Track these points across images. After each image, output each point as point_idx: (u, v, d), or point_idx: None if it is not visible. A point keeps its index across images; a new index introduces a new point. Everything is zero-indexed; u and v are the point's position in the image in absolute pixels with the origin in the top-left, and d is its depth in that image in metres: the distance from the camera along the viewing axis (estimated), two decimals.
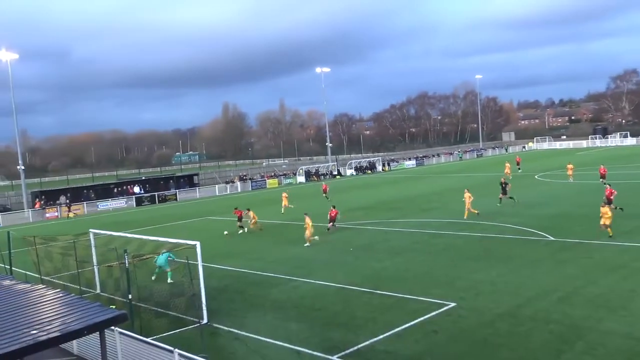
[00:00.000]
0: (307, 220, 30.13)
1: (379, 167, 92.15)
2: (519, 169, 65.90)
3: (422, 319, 16.73)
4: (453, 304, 17.83)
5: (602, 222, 26.05)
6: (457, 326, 15.96)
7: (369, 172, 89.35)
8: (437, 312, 17.25)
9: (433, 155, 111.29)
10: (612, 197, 31.49)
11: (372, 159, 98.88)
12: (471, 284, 20.00)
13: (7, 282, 15.34)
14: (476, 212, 34.47)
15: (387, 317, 17.20)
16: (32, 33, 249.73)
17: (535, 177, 58.40)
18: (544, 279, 20.06)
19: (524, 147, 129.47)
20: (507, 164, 59.95)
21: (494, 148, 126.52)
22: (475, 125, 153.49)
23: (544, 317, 16.20)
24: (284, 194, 46.95)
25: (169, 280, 22.83)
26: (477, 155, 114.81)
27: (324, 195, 50.81)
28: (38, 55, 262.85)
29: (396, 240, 29.29)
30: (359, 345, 14.99)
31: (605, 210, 26.17)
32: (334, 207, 35.03)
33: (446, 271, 21.97)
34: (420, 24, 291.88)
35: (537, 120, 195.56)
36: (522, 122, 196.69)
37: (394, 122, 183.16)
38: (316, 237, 30.04)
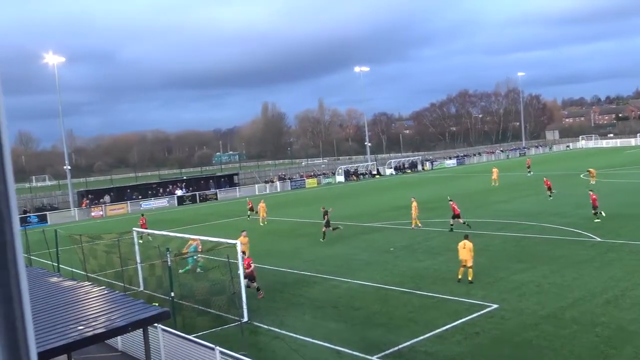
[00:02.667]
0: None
1: (419, 167, 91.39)
2: (530, 172, 64.56)
3: (463, 320, 16.50)
4: (495, 306, 17.53)
5: None
6: (499, 328, 15.69)
7: (409, 171, 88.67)
8: (479, 313, 16.99)
9: (474, 154, 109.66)
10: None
11: (412, 158, 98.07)
12: (514, 285, 19.63)
13: (54, 279, 15.82)
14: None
15: (427, 317, 17.04)
16: (79, 36, 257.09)
17: (581, 176, 56.91)
18: (589, 281, 19.53)
19: (568, 146, 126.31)
20: (495, 170, 56.93)
21: (537, 147, 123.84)
22: (517, 124, 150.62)
23: (590, 319, 15.77)
24: (262, 204, 42.14)
25: (180, 271, 23.13)
26: (519, 154, 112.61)
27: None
28: (84, 58, 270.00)
29: (436, 240, 29.03)
30: (399, 346, 14.88)
31: None
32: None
33: (488, 272, 21.62)
34: (462, 21, 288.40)
35: (582, 118, 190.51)
36: (567, 120, 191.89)
37: (434, 121, 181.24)
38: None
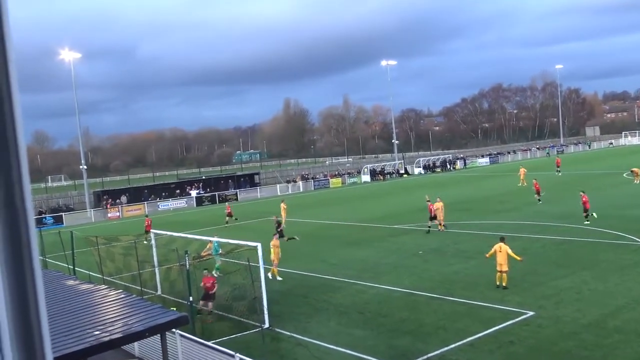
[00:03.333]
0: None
1: (450, 165, 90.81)
2: (559, 171, 64.05)
3: (497, 328, 16.35)
4: (532, 313, 17.33)
5: None
6: (536, 337, 15.50)
7: (439, 170, 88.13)
8: (513, 321, 16.82)
9: (508, 152, 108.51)
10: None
11: (442, 156, 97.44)
12: (552, 292, 19.38)
13: (71, 282, 16.10)
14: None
15: (458, 325, 16.91)
16: (96, 32, 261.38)
17: (624, 175, 55.91)
18: (634, 287, 19.19)
19: (611, 143, 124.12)
20: (522, 170, 55.77)
21: (576, 144, 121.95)
22: (555, 120, 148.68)
23: (635, 328, 15.49)
24: (282, 205, 42.54)
25: (215, 273, 23.46)
26: (557, 152, 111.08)
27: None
28: (102, 54, 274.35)
29: (468, 243, 28.81)
30: (429, 355, 14.81)
31: None
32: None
33: (524, 277, 21.38)
34: (496, 11, 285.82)
35: (625, 113, 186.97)
36: (608, 115, 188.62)
37: (465, 117, 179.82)
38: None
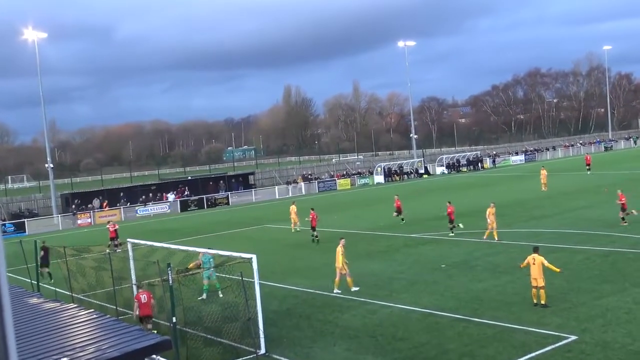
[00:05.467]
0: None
1: (478, 164, 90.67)
2: (589, 170, 64.30)
3: (533, 354, 16.34)
4: (574, 337, 17.32)
5: None
6: None
7: (465, 169, 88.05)
8: (553, 346, 16.81)
9: (547, 149, 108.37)
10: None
11: (469, 153, 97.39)
12: (598, 312, 19.36)
13: (34, 300, 16.16)
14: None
15: (487, 351, 16.91)
16: (66, 8, 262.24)
17: None
18: None
19: None
20: (543, 172, 55.35)
21: (627, 139, 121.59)
22: (602, 110, 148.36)
23: None
24: (292, 207, 42.90)
25: (203, 297, 23.94)
26: (605, 148, 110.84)
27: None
28: (73, 34, 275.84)
29: (500, 255, 28.79)
30: None
31: None
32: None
33: (564, 295, 21.36)
34: None
35: None
36: None
37: (496, 107, 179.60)
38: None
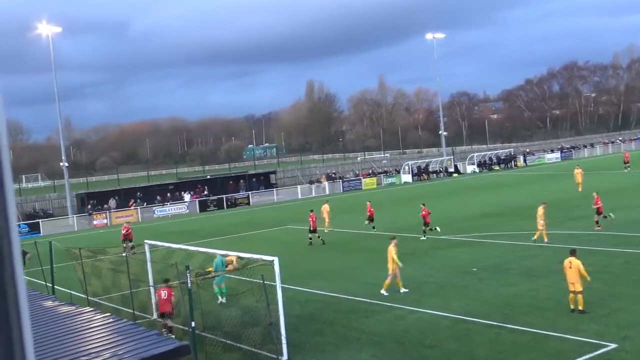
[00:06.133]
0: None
1: (511, 162, 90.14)
2: (628, 166, 63.95)
3: None
4: (613, 345, 17.14)
5: None
6: None
7: (497, 168, 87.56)
8: (590, 355, 16.65)
9: (584, 146, 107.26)
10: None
11: (502, 151, 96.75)
12: (638, 319, 19.13)
13: (49, 303, 16.36)
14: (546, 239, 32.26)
15: (521, 359, 16.80)
16: (81, 2, 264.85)
17: None
18: None
19: None
20: (578, 170, 53.91)
21: None
22: None
23: None
24: (325, 207, 43.55)
25: (221, 300, 24.28)
26: None
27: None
28: (87, 29, 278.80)
29: (535, 258, 28.62)
30: None
31: None
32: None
33: (603, 301, 21.15)
34: None
35: None
36: None
37: (530, 103, 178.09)
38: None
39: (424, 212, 36.36)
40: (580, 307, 19.96)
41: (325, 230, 41.22)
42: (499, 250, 31.32)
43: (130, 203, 66.43)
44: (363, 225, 41.81)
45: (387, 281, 24.49)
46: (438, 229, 35.59)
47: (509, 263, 28.18)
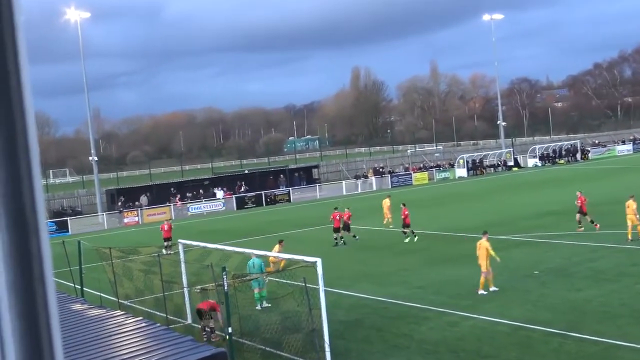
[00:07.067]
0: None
1: (578, 155, 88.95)
2: None
3: None
4: None
5: None
6: None
7: (562, 161, 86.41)
8: None
9: None
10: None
11: (567, 142, 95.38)
12: None
13: (78, 306, 16.66)
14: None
15: None
16: None
17: None
18: None
19: None
20: None
21: None
22: None
23: None
24: (386, 201, 44.77)
25: (264, 304, 24.40)
26: None
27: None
28: (118, 15, 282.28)
29: (605, 260, 28.24)
30: None
31: None
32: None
33: None
34: None
35: None
36: None
37: (599, 89, 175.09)
38: None
39: (404, 213, 37.38)
40: None
41: (390, 227, 42.12)
42: (564, 251, 30.92)
43: (177, 199, 67.11)
44: (413, 224, 41.65)
45: (482, 279, 24.60)
46: (415, 239, 36.73)
47: (574, 265, 27.83)
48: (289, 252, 22.83)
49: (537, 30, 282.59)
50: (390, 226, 42.34)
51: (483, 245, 24.73)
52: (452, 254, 32.51)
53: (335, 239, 38.12)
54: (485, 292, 24.31)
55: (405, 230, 37.48)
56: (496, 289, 24.56)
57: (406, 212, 37.49)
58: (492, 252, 24.64)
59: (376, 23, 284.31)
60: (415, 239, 36.78)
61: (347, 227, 38.62)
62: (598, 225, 34.37)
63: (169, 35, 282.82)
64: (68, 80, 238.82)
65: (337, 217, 38.39)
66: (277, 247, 26.84)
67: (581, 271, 26.81)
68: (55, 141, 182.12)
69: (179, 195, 67.98)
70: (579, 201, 35.49)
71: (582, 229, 34.43)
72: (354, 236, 38.53)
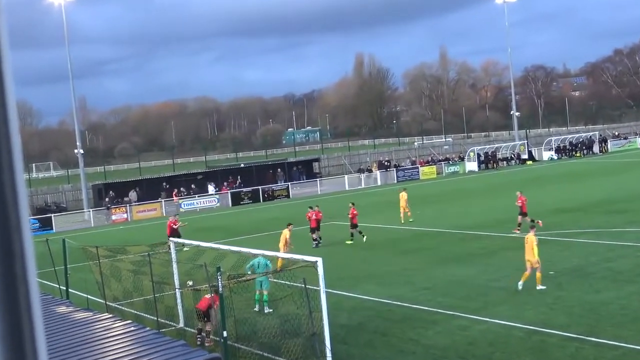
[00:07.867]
0: None
1: (596, 147, 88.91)
2: None
3: None
4: None
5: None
6: None
7: (579, 154, 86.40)
8: None
9: None
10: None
11: (585, 134, 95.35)
12: None
13: (63, 309, 16.68)
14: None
15: None
16: None
17: None
18: None
19: None
20: None
21: None
22: None
23: None
24: (403, 195, 45.30)
25: (267, 310, 24.31)
26: None
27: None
28: None
29: (624, 260, 28.24)
30: None
31: None
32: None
33: None
34: None
35: None
36: None
37: (619, 77, 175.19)
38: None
39: (352, 213, 38.15)
40: None
41: (410, 220, 42.88)
42: (581, 250, 30.95)
43: (174, 193, 66.94)
44: (419, 221, 41.69)
45: (538, 274, 24.65)
46: (364, 239, 37.05)
47: (592, 265, 27.85)
48: (287, 252, 22.82)
49: (553, 14, 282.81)
50: (410, 220, 42.94)
51: (530, 240, 24.73)
52: (460, 252, 32.51)
53: (315, 239, 38.27)
54: (544, 287, 24.36)
55: (352, 231, 37.90)
56: (543, 287, 24.52)
57: (354, 212, 38.12)
58: (535, 249, 24.66)
59: (381, 6, 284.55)
60: (364, 238, 37.08)
61: (354, 226, 38.63)
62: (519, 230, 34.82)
63: (161, 20, 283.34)
64: (52, 67, 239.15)
65: (313, 217, 38.65)
66: (286, 231, 27.23)
67: (599, 272, 26.81)
68: (38, 132, 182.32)
69: (175, 190, 67.74)
70: (519, 201, 36.35)
71: (519, 230, 34.60)
72: (360, 232, 38.53)
